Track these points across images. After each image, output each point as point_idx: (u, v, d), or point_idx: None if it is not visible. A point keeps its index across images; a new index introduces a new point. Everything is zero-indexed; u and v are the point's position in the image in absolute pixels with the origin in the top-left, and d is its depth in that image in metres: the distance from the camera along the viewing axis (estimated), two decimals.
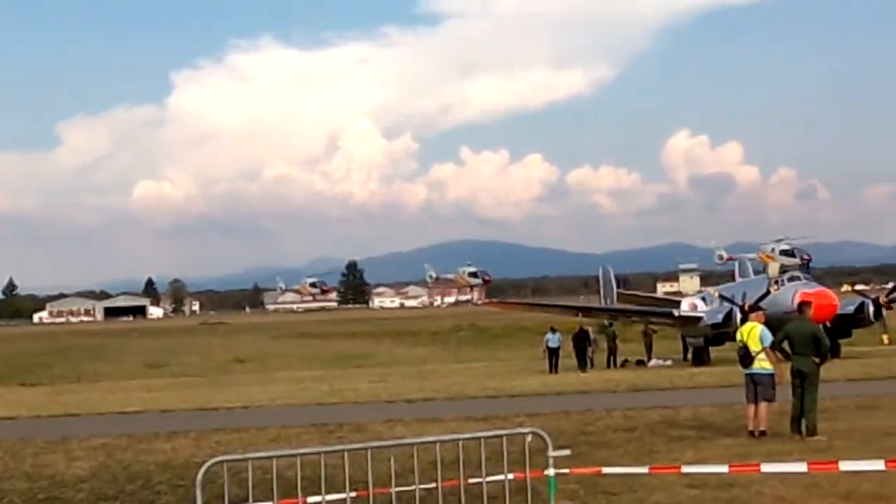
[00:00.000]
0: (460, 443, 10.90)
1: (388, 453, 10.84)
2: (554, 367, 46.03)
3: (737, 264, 60.41)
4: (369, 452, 10.53)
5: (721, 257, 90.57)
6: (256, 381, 49.52)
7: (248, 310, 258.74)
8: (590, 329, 49.44)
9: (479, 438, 11.01)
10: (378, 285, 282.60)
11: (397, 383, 39.65)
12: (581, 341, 47.57)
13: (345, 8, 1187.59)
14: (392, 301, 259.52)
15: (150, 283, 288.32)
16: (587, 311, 64.36)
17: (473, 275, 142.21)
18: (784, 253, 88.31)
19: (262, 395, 34.06)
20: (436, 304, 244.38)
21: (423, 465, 10.86)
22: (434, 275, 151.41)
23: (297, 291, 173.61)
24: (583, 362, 46.98)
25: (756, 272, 55.84)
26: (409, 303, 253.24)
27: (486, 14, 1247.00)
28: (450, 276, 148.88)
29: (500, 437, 10.95)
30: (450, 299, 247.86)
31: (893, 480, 13.20)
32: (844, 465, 13.36)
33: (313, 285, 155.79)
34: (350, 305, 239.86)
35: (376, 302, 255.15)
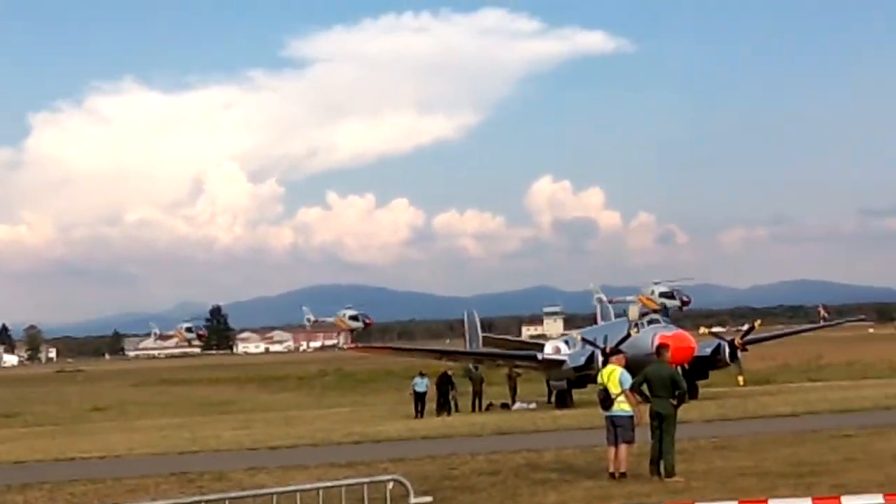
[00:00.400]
0: (320, 491, 10.80)
1: (249, 503, 10.67)
2: (420, 412, 46.00)
3: (598, 307, 61.34)
4: (228, 503, 10.35)
5: (600, 300, 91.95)
6: (115, 429, 48.24)
7: (107, 356, 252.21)
8: (452, 373, 49.60)
9: (340, 486, 10.93)
10: (243, 330, 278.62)
11: (261, 430, 39.10)
12: (444, 384, 47.85)
13: (209, 51, 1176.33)
14: (257, 346, 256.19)
15: (3, 329, 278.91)
16: (452, 355, 64.60)
17: (354, 318, 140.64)
18: (664, 295, 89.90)
19: (121, 445, 33.21)
20: (301, 348, 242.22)
21: None
22: (312, 318, 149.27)
23: (172, 336, 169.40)
24: (444, 406, 47.15)
25: (617, 315, 56.85)
26: (275, 347, 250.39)
27: (353, 58, 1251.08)
28: (329, 319, 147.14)
29: (362, 484, 10.90)
30: (315, 344, 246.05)
31: None
32: None
33: (189, 330, 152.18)
34: (214, 351, 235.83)
35: (241, 347, 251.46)
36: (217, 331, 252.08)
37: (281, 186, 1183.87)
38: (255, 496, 10.92)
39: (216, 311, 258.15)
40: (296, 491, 10.83)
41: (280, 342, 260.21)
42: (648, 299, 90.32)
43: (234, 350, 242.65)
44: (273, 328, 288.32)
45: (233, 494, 10.87)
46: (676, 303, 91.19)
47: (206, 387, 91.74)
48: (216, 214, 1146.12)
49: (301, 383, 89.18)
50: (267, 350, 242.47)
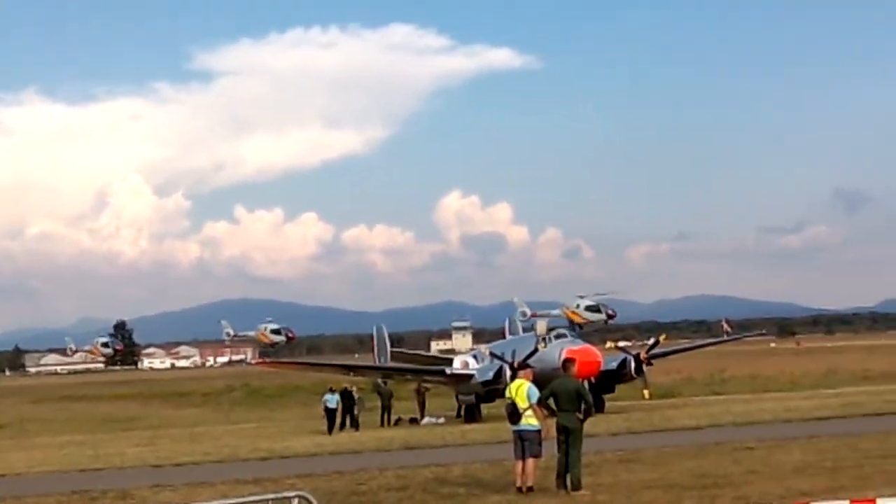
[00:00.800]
0: None
1: None
2: (330, 429, 45.74)
3: (507, 321, 61.62)
4: None
5: (525, 314, 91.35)
6: (14, 447, 47.04)
7: (7, 372, 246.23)
8: (354, 389, 49.54)
9: (245, 503, 10.79)
10: (148, 345, 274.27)
11: (166, 446, 38.48)
12: (346, 400, 47.92)
13: (114, 63, 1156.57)
14: (162, 362, 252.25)
15: None
16: (361, 370, 64.37)
17: (276, 331, 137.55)
18: (590, 309, 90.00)
19: (20, 463, 32.40)
20: (208, 364, 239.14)
21: None
22: (232, 332, 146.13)
23: (89, 352, 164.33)
24: (346, 422, 47.44)
25: (525, 330, 57.18)
26: (181, 363, 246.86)
27: (261, 72, 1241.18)
28: (250, 333, 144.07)
29: (267, 500, 10.78)
30: (223, 359, 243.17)
31: None
32: None
33: (105, 345, 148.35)
34: (118, 367, 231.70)
35: (146, 363, 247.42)
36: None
37: (187, 200, 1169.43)
38: None
39: (120, 326, 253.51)
40: None
41: (186, 357, 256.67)
42: (574, 313, 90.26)
43: (139, 366, 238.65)
44: (179, 343, 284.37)
45: None
46: (602, 316, 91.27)
47: (109, 403, 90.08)
48: (121, 228, 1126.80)
49: (207, 399, 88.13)
50: (173, 366, 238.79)
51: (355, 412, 48.10)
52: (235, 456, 31.02)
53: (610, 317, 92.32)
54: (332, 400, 46.84)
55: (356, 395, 48.99)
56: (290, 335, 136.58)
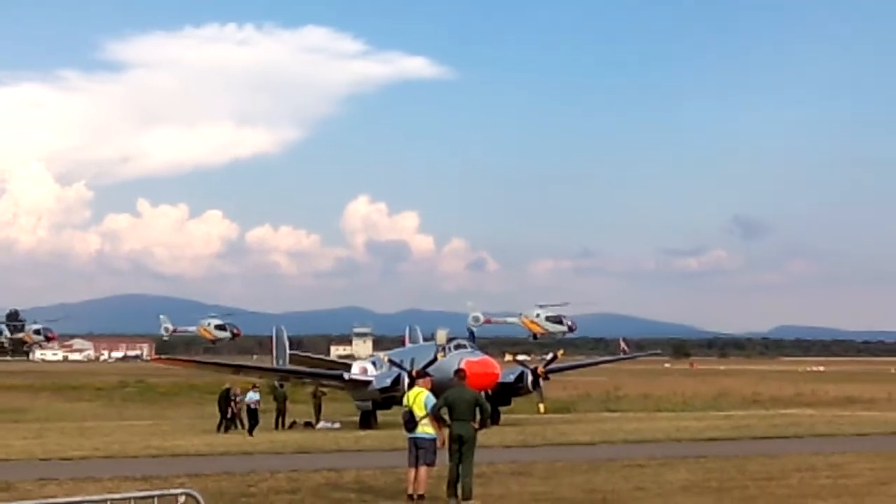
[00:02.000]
0: (109, 503, 10.49)
1: None
2: (251, 428, 44.83)
3: (407, 329, 61.61)
4: None
5: (478, 319, 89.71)
6: None
7: None
8: (231, 389, 49.12)
9: (129, 499, 10.63)
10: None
11: (54, 440, 37.70)
12: (223, 401, 47.44)
13: (18, 48, 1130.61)
14: (55, 354, 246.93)
15: None
16: (257, 371, 63.77)
17: (221, 328, 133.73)
18: (551, 319, 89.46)
19: None
20: (102, 358, 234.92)
21: None
22: (171, 327, 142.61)
23: (21, 340, 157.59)
24: (226, 423, 46.86)
25: (425, 339, 57.25)
26: (74, 356, 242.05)
27: (172, 66, 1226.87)
28: (191, 328, 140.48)
29: (153, 497, 10.64)
30: (117, 354, 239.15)
31: None
32: None
33: (37, 332, 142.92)
34: (8, 357, 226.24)
35: (38, 354, 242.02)
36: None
37: (90, 191, 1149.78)
38: None
39: (13, 316, 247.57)
40: (82, 502, 10.49)
41: (80, 350, 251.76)
42: (533, 322, 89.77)
43: (31, 357, 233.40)
44: (74, 336, 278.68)
45: None
46: (563, 328, 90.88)
47: None
48: (18, 215, 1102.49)
49: (100, 394, 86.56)
50: (66, 358, 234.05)
51: (229, 413, 47.36)
52: (125, 452, 30.59)
53: (570, 329, 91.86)
54: (254, 397, 46.01)
55: (235, 396, 48.33)
56: (235, 332, 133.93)
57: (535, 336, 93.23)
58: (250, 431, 43.53)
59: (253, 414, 45.47)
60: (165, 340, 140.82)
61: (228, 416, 47.06)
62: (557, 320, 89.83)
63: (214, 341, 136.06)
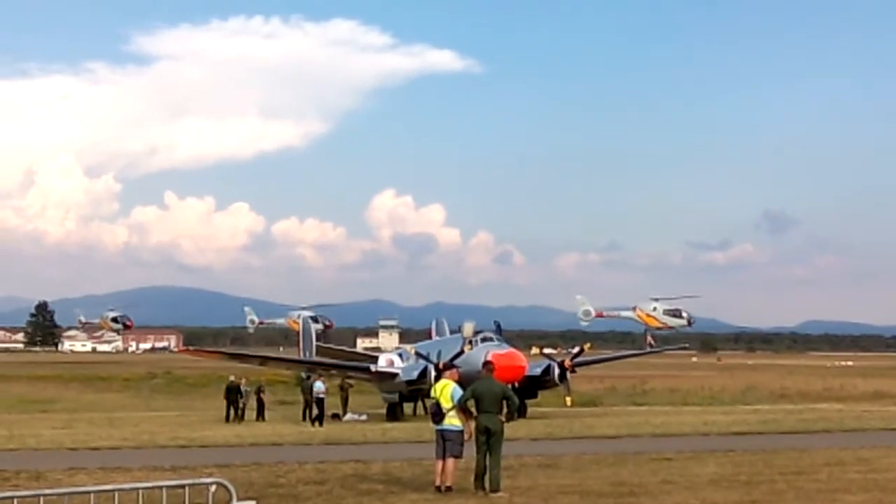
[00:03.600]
0: (140, 492, 10.55)
1: (64, 502, 10.35)
2: (319, 418, 45.28)
3: (433, 322, 61.66)
4: (41, 500, 10.02)
5: (588, 313, 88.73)
6: None
7: None
8: (242, 382, 50.42)
9: (161, 488, 10.69)
10: (70, 328, 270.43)
11: (84, 430, 38.00)
12: (232, 393, 49.16)
13: (48, 40, 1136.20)
14: (84, 345, 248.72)
15: None
16: (284, 363, 64.10)
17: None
18: (669, 313, 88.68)
19: None
20: (130, 349, 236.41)
21: None
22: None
23: (98, 327, 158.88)
24: (232, 414, 48.51)
25: (451, 332, 57.29)
26: (102, 347, 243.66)
27: (199, 59, 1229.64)
28: (279, 320, 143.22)
29: (184, 486, 10.69)
30: (145, 345, 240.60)
31: None
32: None
33: (115, 320, 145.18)
34: (38, 348, 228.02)
35: (67, 345, 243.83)
36: (42, 327, 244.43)
37: (118, 183, 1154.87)
38: (70, 494, 10.59)
39: (42, 307, 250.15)
40: (114, 490, 10.54)
41: (108, 342, 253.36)
42: (649, 316, 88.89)
43: (60, 348, 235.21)
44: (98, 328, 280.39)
45: (48, 492, 10.51)
46: (683, 322, 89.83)
47: (27, 384, 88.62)
48: (47, 208, 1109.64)
49: (128, 385, 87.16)
50: (94, 349, 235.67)
51: (240, 405, 49.17)
52: (154, 443, 30.78)
53: (689, 323, 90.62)
54: (321, 387, 46.30)
55: (244, 389, 49.91)
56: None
57: (646, 330, 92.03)
58: (319, 422, 43.63)
59: (320, 404, 45.64)
60: (250, 333, 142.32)
61: (239, 407, 48.61)
62: (676, 314, 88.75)
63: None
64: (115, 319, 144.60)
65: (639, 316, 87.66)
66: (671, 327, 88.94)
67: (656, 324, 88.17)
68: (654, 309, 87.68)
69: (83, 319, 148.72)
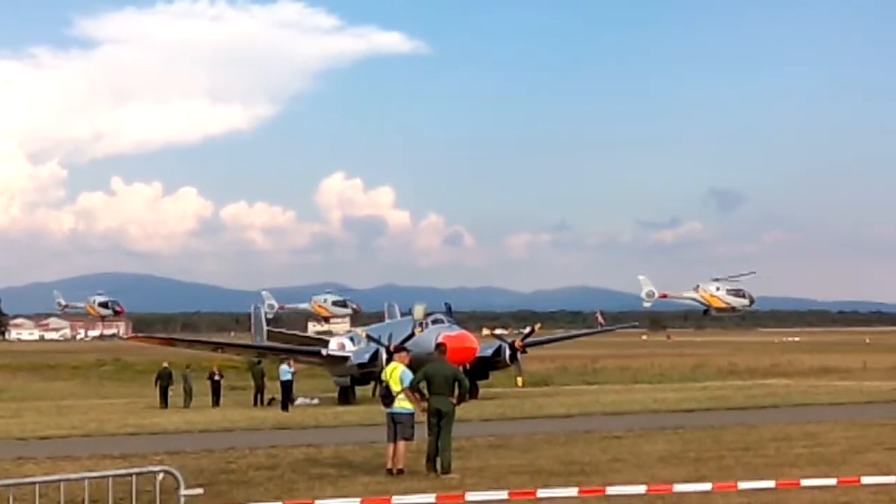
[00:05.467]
0: (87, 481, 10.45)
1: (10, 493, 10.23)
2: (284, 404, 44.71)
3: (385, 305, 61.61)
4: None
5: (651, 294, 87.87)
6: None
7: None
8: (186, 370, 52.01)
9: (107, 477, 10.60)
10: (16, 316, 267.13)
11: (32, 419, 37.64)
12: (163, 379, 50.48)
13: None
14: (31, 333, 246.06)
15: None
16: (234, 348, 63.74)
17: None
18: (731, 293, 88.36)
19: None
20: (79, 337, 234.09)
21: None
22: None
23: (85, 312, 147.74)
24: (164, 400, 49.69)
25: (403, 314, 57.22)
26: (50, 335, 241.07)
27: (144, 42, 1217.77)
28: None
29: (131, 475, 10.61)
30: (94, 332, 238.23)
31: None
32: (471, 496, 13.92)
33: (104, 305, 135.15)
34: None
35: (14, 334, 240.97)
36: None
37: (63, 169, 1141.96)
38: (17, 485, 10.47)
39: None
40: (60, 481, 10.44)
41: (56, 330, 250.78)
42: (713, 296, 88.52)
43: (6, 336, 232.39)
44: (49, 315, 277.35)
45: None
46: (746, 301, 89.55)
47: None
48: None
49: (77, 372, 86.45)
50: (42, 338, 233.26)
51: (170, 393, 50.48)
52: (103, 430, 30.55)
53: (751, 302, 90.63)
54: (287, 372, 45.54)
55: (186, 374, 51.26)
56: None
57: (706, 311, 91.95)
58: (284, 407, 43.00)
59: (287, 388, 44.73)
60: (269, 318, 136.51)
61: (168, 395, 50.02)
62: (739, 293, 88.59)
63: (328, 318, 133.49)
64: (104, 304, 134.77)
65: (702, 297, 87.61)
66: (734, 307, 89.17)
67: (720, 304, 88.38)
68: (717, 289, 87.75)
69: (63, 302, 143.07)
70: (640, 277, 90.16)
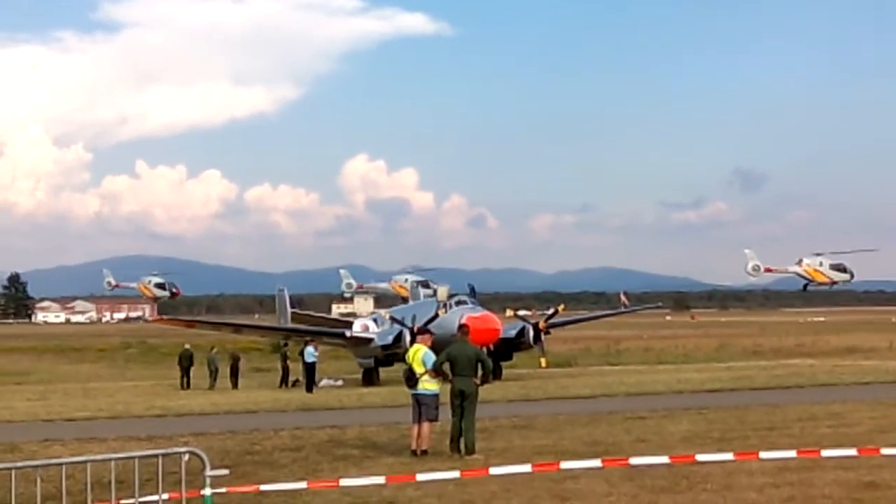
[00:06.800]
0: (113, 462, 10.54)
1: (38, 474, 10.32)
2: (309, 386, 44.63)
3: (408, 285, 61.67)
4: (13, 473, 9.98)
5: (758, 268, 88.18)
6: None
7: None
8: (213, 350, 52.94)
9: (134, 458, 10.67)
10: (43, 299, 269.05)
11: (59, 401, 37.87)
12: (185, 360, 51.33)
13: (15, 8, 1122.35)
14: (57, 316, 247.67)
15: None
16: (259, 330, 64.01)
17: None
18: (835, 268, 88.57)
19: None
20: (104, 319, 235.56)
21: (79, 486, 10.43)
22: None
23: (139, 292, 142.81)
24: (186, 381, 50.46)
25: (427, 296, 57.26)
26: (76, 318, 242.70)
27: (168, 25, 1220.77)
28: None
29: (157, 456, 10.68)
30: (120, 315, 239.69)
31: (542, 497, 13.90)
32: (494, 471, 13.92)
33: (160, 286, 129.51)
34: (11, 320, 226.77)
35: (40, 317, 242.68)
36: (15, 299, 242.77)
37: (88, 153, 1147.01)
38: (45, 466, 10.56)
39: (14, 279, 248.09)
40: (87, 461, 10.53)
41: (82, 313, 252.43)
42: (816, 271, 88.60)
43: (33, 319, 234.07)
44: (75, 298, 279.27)
45: (20, 464, 10.47)
46: (847, 276, 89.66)
47: (1, 356, 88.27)
48: (17, 178, 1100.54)
49: (103, 355, 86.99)
50: (68, 320, 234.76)
51: (191, 373, 51.15)
52: (129, 412, 30.74)
53: (852, 278, 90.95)
54: (311, 354, 45.81)
55: (211, 356, 51.90)
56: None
57: (805, 286, 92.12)
58: (309, 389, 43.31)
59: (311, 370, 45.01)
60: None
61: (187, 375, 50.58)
62: (842, 268, 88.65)
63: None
64: (160, 286, 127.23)
65: (806, 271, 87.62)
66: (835, 282, 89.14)
67: (823, 279, 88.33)
68: (821, 264, 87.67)
69: (113, 282, 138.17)
70: (746, 251, 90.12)
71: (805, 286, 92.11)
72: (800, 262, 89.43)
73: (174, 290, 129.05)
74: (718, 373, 44.72)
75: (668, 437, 20.44)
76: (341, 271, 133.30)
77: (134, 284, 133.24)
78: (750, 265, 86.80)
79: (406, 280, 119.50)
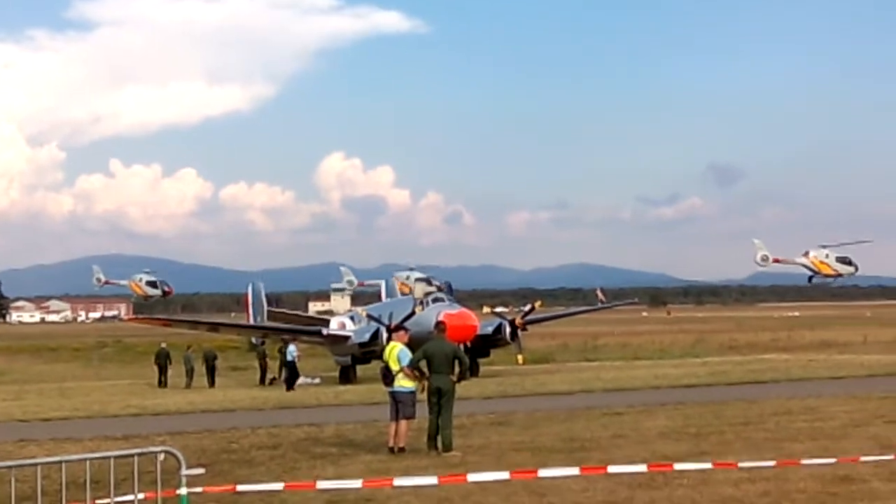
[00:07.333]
0: (88, 462, 10.48)
1: (13, 474, 10.25)
2: (290, 382, 44.82)
3: (383, 283, 61.62)
4: None
5: (766, 258, 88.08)
6: None
7: None
8: (190, 350, 52.82)
9: (109, 458, 10.61)
10: (17, 299, 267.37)
11: (34, 401, 37.69)
12: (161, 358, 51.75)
13: None
14: (32, 316, 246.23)
15: None
16: (235, 329, 63.73)
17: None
18: (840, 260, 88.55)
19: None
20: (80, 319, 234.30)
21: (55, 486, 10.37)
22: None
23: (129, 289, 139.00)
24: (162, 379, 50.88)
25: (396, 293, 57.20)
26: (51, 317, 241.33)
27: (142, 24, 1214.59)
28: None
29: (132, 456, 10.62)
30: (95, 314, 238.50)
31: (519, 494, 13.91)
32: (472, 477, 13.96)
33: (151, 284, 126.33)
34: None
35: (14, 316, 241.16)
36: None
37: (62, 151, 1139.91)
38: (20, 466, 10.49)
39: None
40: (62, 461, 10.46)
41: (57, 312, 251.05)
42: (823, 262, 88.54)
43: (8, 319, 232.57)
44: (50, 297, 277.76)
45: None
46: (852, 269, 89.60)
47: None
48: None
49: (78, 354, 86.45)
50: (43, 320, 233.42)
51: (170, 372, 51.56)
52: (105, 412, 30.64)
53: (856, 270, 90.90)
54: (292, 353, 45.90)
55: (188, 355, 51.86)
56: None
57: (811, 278, 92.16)
58: (289, 387, 43.29)
59: (293, 367, 45.04)
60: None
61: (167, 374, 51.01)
62: (847, 261, 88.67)
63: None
64: (152, 284, 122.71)
65: (812, 262, 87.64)
66: (841, 274, 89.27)
67: (829, 271, 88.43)
68: (827, 256, 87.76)
69: (102, 279, 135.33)
70: (755, 241, 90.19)
71: (810, 278, 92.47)
72: (806, 254, 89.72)
73: (166, 288, 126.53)
74: (695, 368, 44.85)
75: (645, 433, 20.49)
76: (342, 268, 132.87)
77: (124, 282, 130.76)
78: (759, 255, 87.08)
79: (408, 277, 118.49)
